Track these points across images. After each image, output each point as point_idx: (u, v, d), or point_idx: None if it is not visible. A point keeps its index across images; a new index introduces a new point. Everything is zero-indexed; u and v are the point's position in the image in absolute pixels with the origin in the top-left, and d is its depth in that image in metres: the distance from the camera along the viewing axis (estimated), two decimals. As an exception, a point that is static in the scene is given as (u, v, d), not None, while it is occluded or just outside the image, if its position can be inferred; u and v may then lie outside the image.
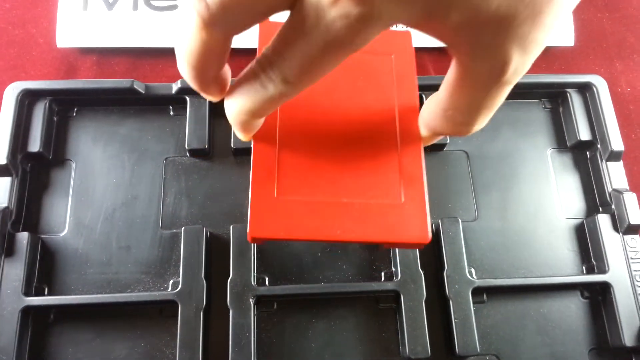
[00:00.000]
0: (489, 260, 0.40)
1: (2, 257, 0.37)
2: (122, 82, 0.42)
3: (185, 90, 0.42)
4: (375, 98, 0.31)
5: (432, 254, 0.39)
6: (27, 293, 0.36)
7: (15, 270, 0.36)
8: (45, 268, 0.38)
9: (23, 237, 0.37)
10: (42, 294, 0.37)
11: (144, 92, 0.42)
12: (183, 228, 0.38)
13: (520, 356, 0.38)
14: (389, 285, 0.37)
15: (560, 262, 0.40)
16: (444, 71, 0.45)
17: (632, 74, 0.49)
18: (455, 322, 0.36)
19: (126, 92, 0.42)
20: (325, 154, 0.30)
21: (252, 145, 0.29)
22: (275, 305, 0.38)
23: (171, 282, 0.38)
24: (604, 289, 0.39)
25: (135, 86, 0.41)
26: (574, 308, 0.39)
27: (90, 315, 0.37)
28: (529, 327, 0.38)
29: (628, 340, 0.37)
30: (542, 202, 0.42)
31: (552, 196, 0.42)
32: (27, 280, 0.36)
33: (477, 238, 0.40)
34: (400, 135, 0.30)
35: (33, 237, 0.38)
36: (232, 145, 0.41)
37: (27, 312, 0.36)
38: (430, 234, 0.28)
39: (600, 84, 0.43)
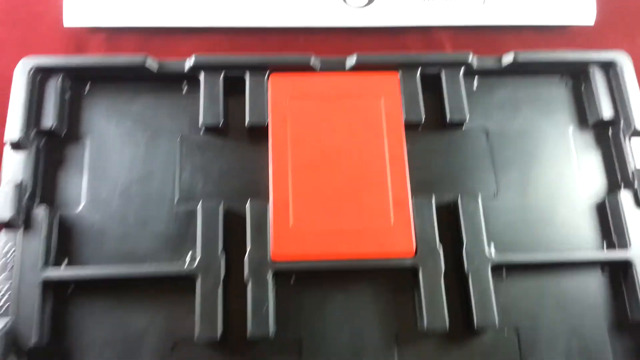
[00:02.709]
0: (508, 237, 0.42)
1: (21, 231, 0.39)
2: (135, 59, 0.44)
3: (199, 67, 0.44)
4: (370, 138, 0.43)
5: (451, 230, 0.42)
6: (45, 266, 0.39)
7: (34, 243, 0.39)
8: (62, 242, 0.41)
9: (40, 211, 0.40)
10: (61, 267, 0.40)
11: (157, 68, 0.44)
12: (200, 203, 0.40)
13: (540, 331, 0.40)
14: (408, 261, 0.39)
15: (581, 239, 0.43)
16: (461, 47, 0.49)
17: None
18: (474, 297, 0.39)
19: (139, 69, 0.44)
20: (329, 188, 0.41)
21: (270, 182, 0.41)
22: (293, 279, 0.40)
23: (188, 256, 0.40)
24: (625, 265, 0.41)
25: (148, 63, 0.44)
26: (594, 284, 0.42)
27: (109, 287, 0.40)
28: (548, 303, 0.41)
29: (648, 315, 0.39)
30: (563, 180, 0.44)
31: (574, 174, 0.44)
32: (45, 253, 0.39)
33: (496, 215, 0.43)
34: (390, 169, 0.42)
35: (50, 212, 0.40)
36: (246, 123, 0.43)
37: (47, 285, 0.39)
38: (414, 248, 0.39)
39: (624, 60, 0.46)
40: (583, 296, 0.41)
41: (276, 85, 0.44)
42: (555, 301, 0.41)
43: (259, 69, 0.44)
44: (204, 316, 0.37)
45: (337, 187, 0.41)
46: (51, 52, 0.49)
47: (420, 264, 0.39)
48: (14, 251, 0.39)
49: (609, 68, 0.46)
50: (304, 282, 0.40)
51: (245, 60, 0.45)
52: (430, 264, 0.39)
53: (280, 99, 0.43)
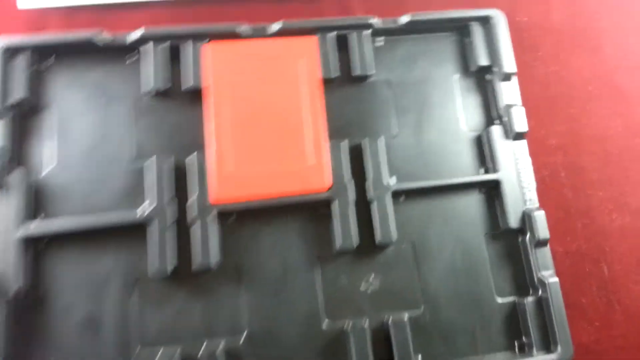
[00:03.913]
0: (407, 169, 0.51)
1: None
2: (87, 34, 0.50)
3: (145, 38, 0.51)
4: (292, 93, 0.50)
5: (360, 166, 0.51)
6: (22, 223, 0.46)
7: (13, 202, 0.46)
8: (38, 201, 0.48)
9: (17, 174, 0.47)
10: (35, 221, 0.47)
11: (108, 41, 0.51)
12: (151, 159, 0.48)
13: (431, 242, 0.50)
14: (324, 195, 0.49)
15: (464, 166, 0.52)
16: (372, 12, 0.55)
17: (530, 5, 0.59)
18: (376, 218, 0.48)
19: (92, 42, 0.50)
20: (259, 138, 0.49)
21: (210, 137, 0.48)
22: (233, 217, 0.49)
23: (143, 206, 0.48)
24: (496, 185, 0.51)
25: (100, 36, 0.50)
26: (473, 202, 0.51)
27: (77, 238, 0.47)
28: (437, 219, 0.51)
29: (514, 222, 0.50)
30: (450, 118, 0.53)
31: (458, 114, 0.54)
32: (24, 211, 0.46)
33: (397, 151, 0.52)
34: (311, 118, 0.50)
35: (24, 174, 0.47)
36: (186, 86, 0.50)
37: (24, 242, 0.45)
38: (329, 183, 0.48)
39: (499, 16, 0.54)
40: (465, 212, 0.51)
41: (212, 52, 0.51)
42: (442, 218, 0.51)
43: (196, 38, 0.51)
44: (157, 256, 0.46)
45: (265, 137, 0.49)
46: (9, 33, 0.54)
47: (334, 196, 0.49)
48: (-6, 211, 0.46)
49: (486, 23, 0.55)
50: (241, 219, 0.49)
51: (183, 30, 0.51)
52: (342, 195, 0.49)
53: (216, 63, 0.50)
